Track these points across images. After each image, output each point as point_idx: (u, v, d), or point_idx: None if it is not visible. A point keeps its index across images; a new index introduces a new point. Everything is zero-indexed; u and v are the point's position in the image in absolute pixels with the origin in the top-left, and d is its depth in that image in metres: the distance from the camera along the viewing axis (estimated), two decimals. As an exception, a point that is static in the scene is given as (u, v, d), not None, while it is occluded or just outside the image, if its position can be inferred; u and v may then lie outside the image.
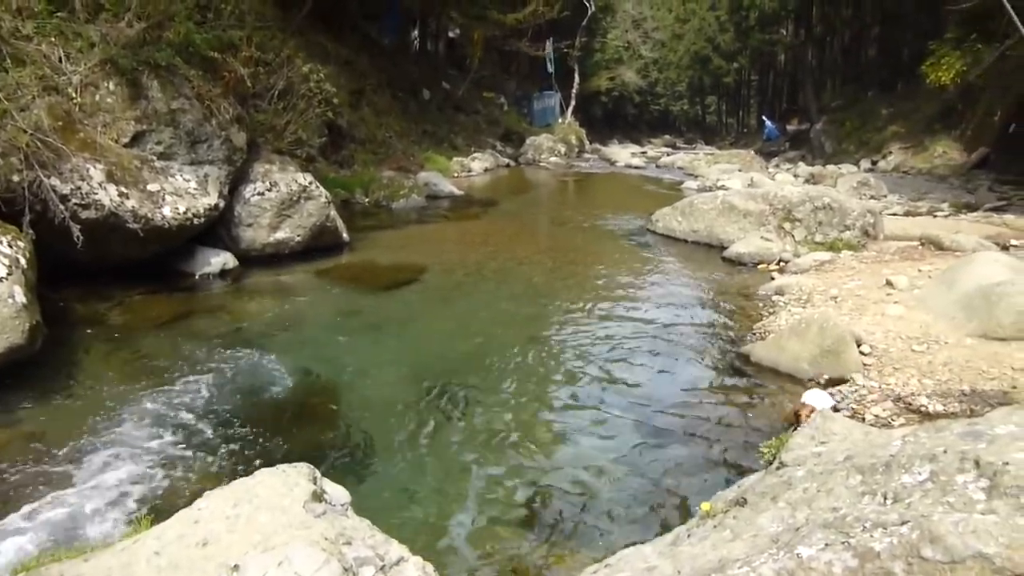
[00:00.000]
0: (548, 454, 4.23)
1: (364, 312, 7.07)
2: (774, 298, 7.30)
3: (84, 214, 6.26)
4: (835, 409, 4.54)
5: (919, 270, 7.47)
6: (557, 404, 4.96)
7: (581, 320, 6.83)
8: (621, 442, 4.38)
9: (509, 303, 7.52)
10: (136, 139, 7.17)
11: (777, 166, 25.35)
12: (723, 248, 9.90)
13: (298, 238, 8.74)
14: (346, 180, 13.79)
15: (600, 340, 6.26)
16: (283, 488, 2.60)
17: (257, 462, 3.88)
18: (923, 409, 4.57)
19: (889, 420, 4.47)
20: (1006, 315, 5.45)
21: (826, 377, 5.14)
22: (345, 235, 9.71)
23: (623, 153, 33.23)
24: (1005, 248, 8.91)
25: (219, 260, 7.91)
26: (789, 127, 37.46)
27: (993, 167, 18.51)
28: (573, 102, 36.26)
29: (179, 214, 7.13)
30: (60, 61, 6.70)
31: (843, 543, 1.75)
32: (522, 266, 9.07)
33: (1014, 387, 4.67)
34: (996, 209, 13.17)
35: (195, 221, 7.33)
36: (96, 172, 6.46)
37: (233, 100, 8.55)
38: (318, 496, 2.65)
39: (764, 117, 43.84)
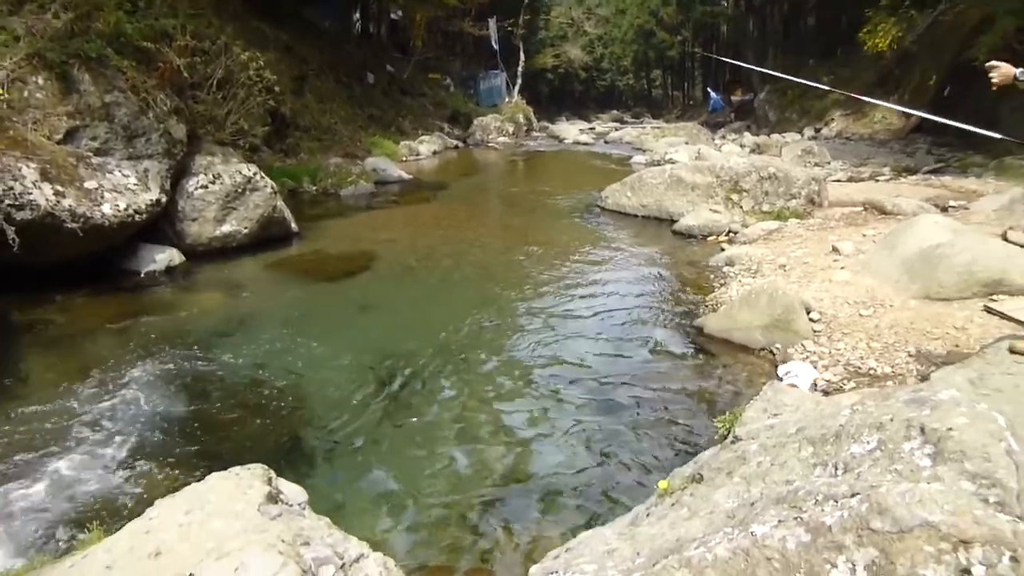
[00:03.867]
0: (505, 441, 4.22)
1: (316, 304, 6.97)
2: (724, 269, 7.39)
3: (19, 215, 6.05)
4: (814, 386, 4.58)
5: (863, 235, 7.63)
6: (512, 388, 4.94)
7: (534, 300, 6.83)
8: (577, 423, 4.39)
9: (462, 286, 7.49)
10: (70, 135, 6.95)
11: (723, 137, 25.58)
12: (673, 222, 9.99)
13: (245, 231, 8.57)
14: (292, 169, 13.56)
15: (553, 319, 6.27)
16: (236, 492, 2.55)
17: (209, 466, 3.80)
18: (872, 372, 4.68)
19: (840, 384, 4.57)
20: (946, 276, 5.61)
21: (778, 346, 5.22)
22: (294, 225, 9.55)
23: (571, 130, 33.23)
24: (944, 209, 9.15)
25: (164, 257, 7.71)
26: (734, 98, 37.78)
27: (930, 130, 18.92)
28: (519, 81, 36.17)
29: (119, 211, 6.93)
30: (-17, 57, 6.45)
31: (796, 519, 1.78)
32: (474, 248, 9.04)
33: (956, 346, 4.82)
34: (934, 171, 13.55)
35: (136, 218, 7.14)
36: (29, 171, 6.24)
37: (170, 91, 8.33)
38: (273, 497, 2.60)
39: (709, 89, 44.17)
